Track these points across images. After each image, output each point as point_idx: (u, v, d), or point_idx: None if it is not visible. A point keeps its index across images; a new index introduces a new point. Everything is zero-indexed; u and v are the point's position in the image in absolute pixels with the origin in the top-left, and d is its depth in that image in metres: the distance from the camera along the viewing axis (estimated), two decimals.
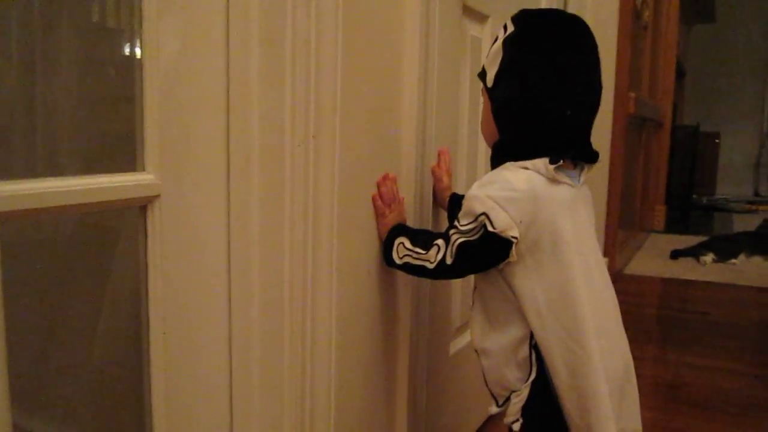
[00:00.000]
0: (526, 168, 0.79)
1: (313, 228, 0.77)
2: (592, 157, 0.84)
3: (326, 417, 0.83)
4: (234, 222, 0.72)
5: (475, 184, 0.81)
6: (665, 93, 4.20)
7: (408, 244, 0.87)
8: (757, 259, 3.48)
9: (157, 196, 0.69)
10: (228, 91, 0.71)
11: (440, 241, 0.82)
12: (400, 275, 1.00)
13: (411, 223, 0.97)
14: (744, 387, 1.73)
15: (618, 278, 3.00)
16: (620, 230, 3.12)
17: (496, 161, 0.84)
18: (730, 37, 6.91)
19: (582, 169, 0.85)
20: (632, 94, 2.86)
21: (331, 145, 0.78)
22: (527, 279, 0.79)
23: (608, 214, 2.90)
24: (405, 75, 0.96)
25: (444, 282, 1.16)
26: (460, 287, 1.24)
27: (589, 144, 0.84)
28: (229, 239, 0.72)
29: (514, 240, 0.76)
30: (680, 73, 5.30)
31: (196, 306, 0.74)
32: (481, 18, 1.22)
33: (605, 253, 2.92)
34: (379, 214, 0.91)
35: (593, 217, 0.89)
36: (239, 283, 0.73)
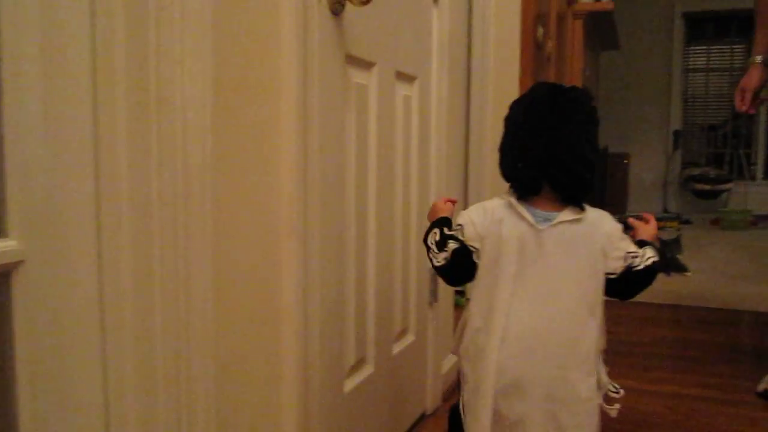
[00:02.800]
0: (503, 197, 1.05)
1: (185, 284, 0.79)
2: (569, 201, 1.02)
3: None
4: (106, 280, 0.74)
5: None
6: None
7: (437, 237, 1.06)
8: (659, 276, 3.65)
9: (21, 262, 0.70)
10: (95, 152, 0.73)
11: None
12: (284, 320, 1.03)
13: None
14: (636, 404, 1.82)
15: None
16: None
17: None
18: (635, 63, 7.29)
19: (571, 212, 1.02)
20: None
21: (201, 203, 0.80)
22: (476, 281, 1.04)
23: None
24: (283, 126, 0.99)
25: (336, 322, 1.20)
26: (353, 325, 1.27)
27: (569, 190, 1.02)
28: (102, 297, 0.74)
29: (473, 249, 1.02)
30: None
31: (68, 366, 0.74)
32: (366, 65, 1.27)
33: None
34: (438, 202, 1.14)
35: (584, 258, 1.01)
36: (113, 341, 0.75)
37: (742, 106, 1.79)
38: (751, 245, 5.00)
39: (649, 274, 1.02)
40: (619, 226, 1.04)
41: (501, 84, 2.96)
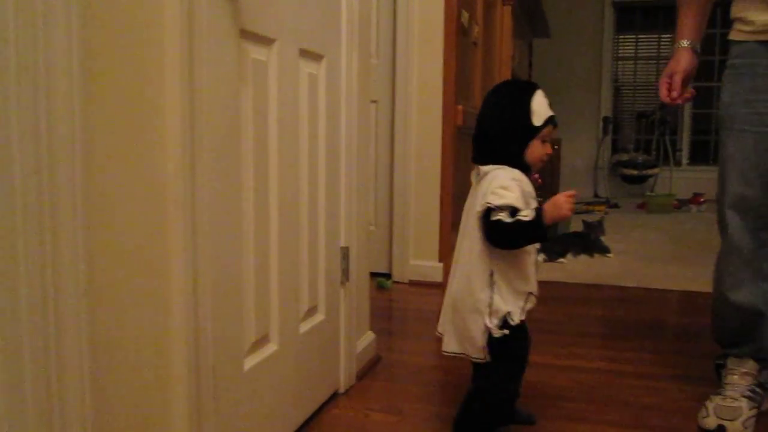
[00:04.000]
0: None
1: (53, 260, 0.77)
2: (474, 161, 1.39)
3: None
4: None
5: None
6: None
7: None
8: (583, 258, 3.77)
9: None
10: None
11: None
12: (173, 299, 1.02)
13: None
14: (552, 379, 1.88)
15: None
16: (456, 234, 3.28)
17: None
18: (567, 51, 7.46)
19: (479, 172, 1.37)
20: (460, 107, 3.02)
21: (70, 175, 0.78)
22: None
23: (441, 220, 3.04)
24: (167, 98, 0.97)
25: (232, 299, 1.19)
26: (254, 302, 1.27)
27: (479, 156, 1.39)
28: None
29: None
30: None
31: None
32: (265, 41, 1.26)
33: (441, 258, 3.07)
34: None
35: (477, 203, 1.32)
36: None
37: (671, 92, 1.63)
38: (673, 228, 5.19)
39: (490, 226, 1.26)
40: (501, 182, 1.26)
41: (424, 68, 2.98)
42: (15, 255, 0.74)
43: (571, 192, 1.24)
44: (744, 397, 1.56)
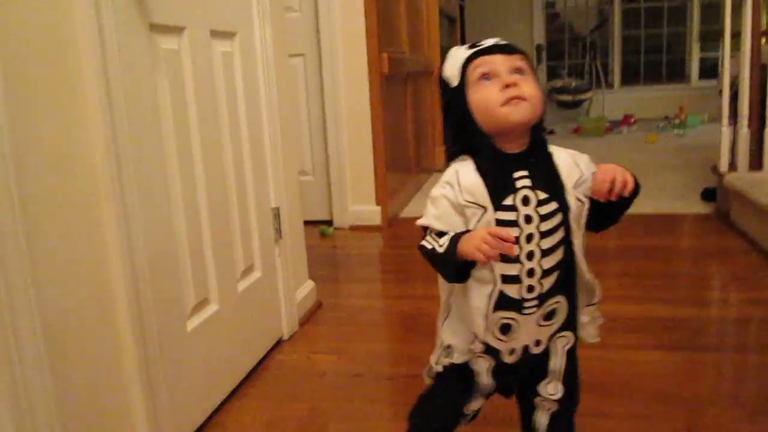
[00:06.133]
0: None
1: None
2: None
3: (48, 414, 0.96)
4: None
5: (576, 153, 0.97)
6: (432, 45, 4.54)
7: None
8: None
9: None
10: None
11: None
12: (112, 271, 1.14)
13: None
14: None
15: (394, 223, 3.31)
16: (395, 176, 3.43)
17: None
18: None
19: None
20: (384, 54, 3.11)
21: (4, 168, 0.89)
22: None
23: (375, 165, 3.18)
24: (88, 95, 1.08)
25: (169, 266, 1.32)
26: (190, 268, 1.40)
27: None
28: None
29: None
30: (451, 21, 5.71)
31: None
32: (175, 30, 1.35)
33: (378, 201, 3.22)
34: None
35: None
36: None
37: None
38: (605, 151, 5.43)
39: None
40: (431, 193, 0.94)
41: (347, 18, 3.06)
42: None
43: (499, 232, 0.84)
44: None
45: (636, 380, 1.56)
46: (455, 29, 5.89)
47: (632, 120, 6.61)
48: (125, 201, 1.16)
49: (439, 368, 1.02)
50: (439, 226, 0.92)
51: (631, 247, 2.71)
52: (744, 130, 2.95)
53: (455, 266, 0.90)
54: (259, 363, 1.74)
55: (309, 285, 2.13)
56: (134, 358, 1.19)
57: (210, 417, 1.47)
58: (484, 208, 0.90)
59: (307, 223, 2.26)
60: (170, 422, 1.28)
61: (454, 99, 0.93)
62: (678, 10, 7.76)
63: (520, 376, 1.03)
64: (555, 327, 0.98)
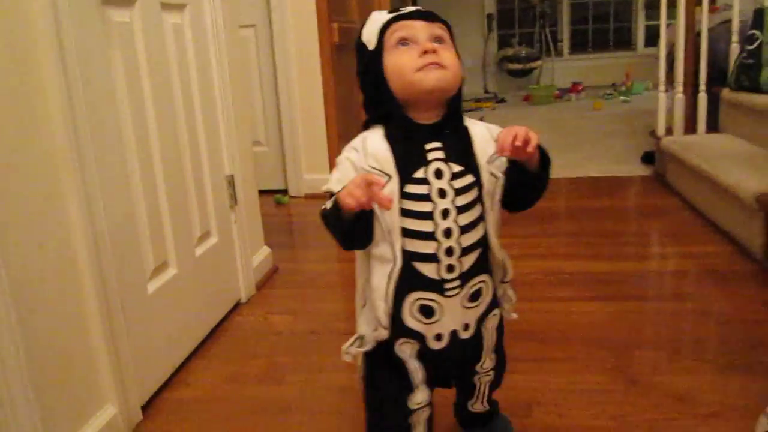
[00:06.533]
0: None
1: None
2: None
3: (18, 370, 1.03)
4: None
5: (492, 126, 0.94)
6: None
7: None
8: None
9: None
10: None
11: None
12: (75, 239, 1.20)
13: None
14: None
15: None
16: (346, 145, 3.50)
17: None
18: None
19: None
20: (335, 24, 3.16)
21: None
22: None
23: (328, 133, 3.24)
24: (44, 72, 1.12)
25: (128, 232, 1.38)
26: (149, 234, 1.46)
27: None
28: None
29: None
30: None
31: None
32: (127, 3, 1.40)
33: (331, 170, 3.28)
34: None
35: None
36: None
37: None
38: (554, 118, 5.59)
39: None
40: (337, 159, 0.94)
41: None
42: None
43: (371, 178, 0.79)
44: None
45: (572, 329, 1.69)
46: None
47: (580, 87, 6.78)
48: (84, 169, 1.21)
49: (348, 358, 0.98)
50: (338, 188, 0.85)
51: (573, 209, 2.85)
52: (679, 96, 3.09)
53: (342, 224, 0.85)
54: (219, 325, 1.82)
55: (265, 250, 2.20)
56: (98, 318, 1.25)
57: (172, 375, 1.55)
58: (389, 175, 0.85)
59: (262, 192, 2.32)
60: (134, 379, 1.35)
61: (371, 63, 0.89)
62: None
63: (455, 362, 1.00)
64: (482, 308, 0.95)
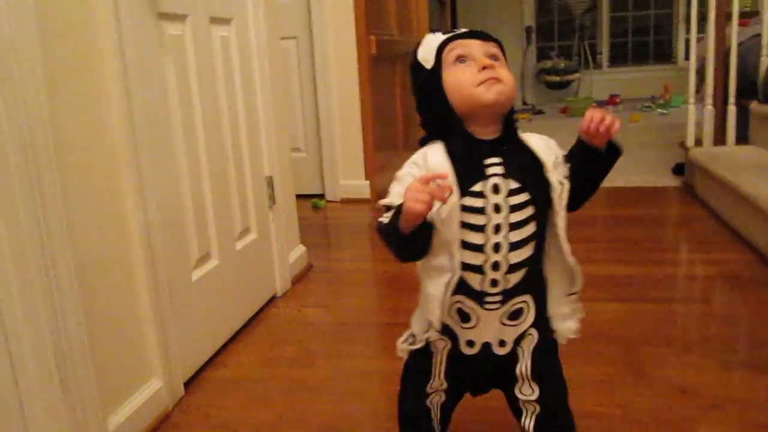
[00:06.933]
0: None
1: (42, 208, 1.09)
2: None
3: (80, 339, 1.17)
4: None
5: (547, 138, 0.94)
6: (421, 27, 4.72)
7: None
8: None
9: None
10: None
11: None
12: (130, 228, 1.35)
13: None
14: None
15: (382, 195, 3.49)
16: (384, 153, 3.63)
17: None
18: None
19: None
20: (372, 37, 3.30)
21: (46, 149, 1.09)
22: None
23: (364, 142, 3.38)
24: (108, 79, 1.28)
25: (176, 224, 1.53)
26: (194, 227, 1.61)
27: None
28: None
29: None
30: (441, 4, 5.88)
31: None
32: (180, 18, 1.55)
33: (367, 176, 3.43)
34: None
35: None
36: None
37: None
38: None
39: None
40: (396, 175, 0.94)
41: (337, 2, 3.24)
42: (14, 202, 1.05)
43: (425, 175, 0.83)
44: None
45: (587, 327, 1.77)
46: (445, 12, 6.07)
47: (618, 100, 6.81)
48: (140, 167, 1.36)
49: (402, 354, 1.01)
50: (399, 203, 0.84)
51: (601, 217, 2.92)
52: (709, 108, 3.15)
53: (400, 237, 0.85)
54: (255, 315, 1.96)
55: (300, 249, 2.34)
56: (148, 299, 1.40)
57: (212, 357, 1.69)
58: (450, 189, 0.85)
59: (301, 196, 2.46)
60: (178, 357, 1.49)
61: (429, 81, 0.92)
62: None
63: (487, 374, 1.01)
64: (522, 329, 0.96)
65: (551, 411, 1.00)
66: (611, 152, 0.92)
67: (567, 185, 0.90)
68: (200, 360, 1.63)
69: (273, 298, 2.09)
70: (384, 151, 3.65)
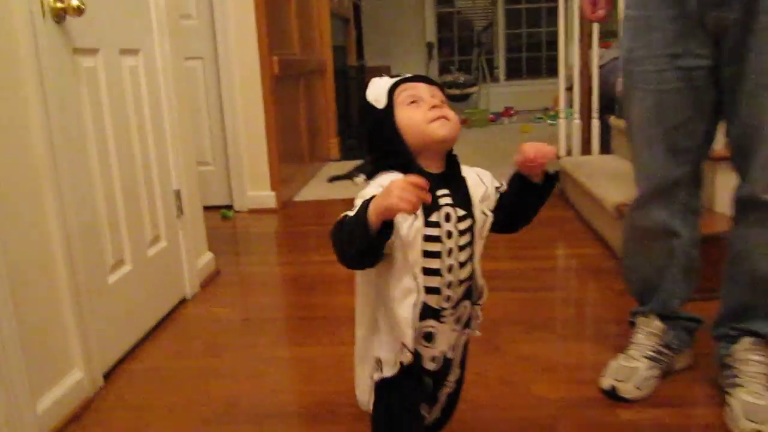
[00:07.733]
0: None
1: None
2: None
3: (11, 338, 1.36)
4: None
5: (480, 170, 1.05)
6: (324, 45, 4.99)
7: None
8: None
9: None
10: None
11: None
12: (52, 236, 1.54)
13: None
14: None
15: (288, 205, 3.75)
16: (289, 165, 3.87)
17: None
18: None
19: None
20: (275, 58, 3.54)
21: None
22: None
23: (269, 156, 3.61)
24: (30, 106, 1.47)
25: (92, 233, 1.72)
26: (109, 235, 1.80)
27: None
28: None
29: None
30: (345, 21, 6.16)
31: None
32: (92, 52, 1.75)
33: (273, 187, 3.66)
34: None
35: None
36: None
37: (597, 10, 1.57)
38: (487, 140, 6.05)
39: None
40: (360, 194, 0.95)
41: (240, 24, 3.47)
42: None
43: (415, 179, 0.84)
44: (645, 357, 1.54)
45: None
46: (350, 29, 6.35)
47: (512, 111, 7.29)
48: (59, 184, 1.56)
49: (389, 374, 1.03)
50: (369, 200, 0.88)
51: None
52: (576, 122, 3.56)
53: (365, 229, 0.87)
54: (167, 315, 2.16)
55: (208, 255, 2.55)
56: (69, 299, 1.59)
57: (128, 352, 1.89)
58: (415, 214, 0.91)
59: (210, 207, 2.66)
60: (97, 351, 1.69)
61: (383, 119, 0.99)
62: (555, 11, 8.51)
63: (438, 380, 1.11)
64: (466, 330, 1.09)
65: (459, 388, 1.17)
66: (548, 180, 1.05)
67: (490, 217, 1.02)
68: (118, 354, 1.83)
69: (183, 300, 2.30)
70: (289, 164, 3.89)
